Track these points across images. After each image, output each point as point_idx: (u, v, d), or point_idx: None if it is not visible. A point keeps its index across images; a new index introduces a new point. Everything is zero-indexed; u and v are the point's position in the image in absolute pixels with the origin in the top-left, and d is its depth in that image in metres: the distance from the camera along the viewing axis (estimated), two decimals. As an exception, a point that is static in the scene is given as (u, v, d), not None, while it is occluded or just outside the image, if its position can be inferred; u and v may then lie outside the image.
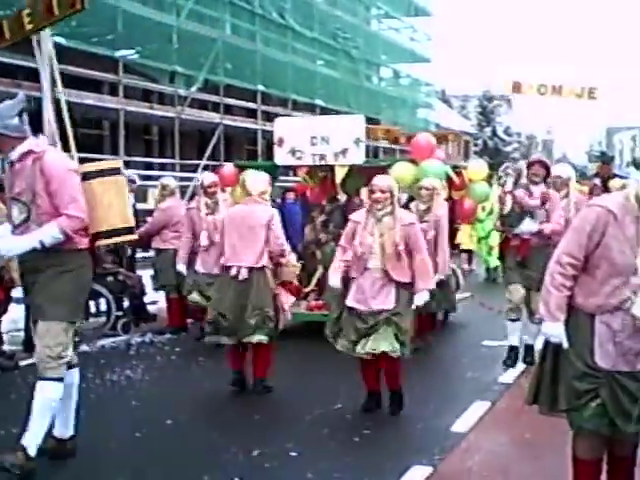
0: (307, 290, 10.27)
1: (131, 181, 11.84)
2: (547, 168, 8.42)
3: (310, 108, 28.44)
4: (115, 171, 5.51)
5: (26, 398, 7.33)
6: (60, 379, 5.37)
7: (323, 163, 9.71)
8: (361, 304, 6.58)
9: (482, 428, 6.49)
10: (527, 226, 8.35)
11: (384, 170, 9.44)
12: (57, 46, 18.23)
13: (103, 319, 10.56)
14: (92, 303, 10.80)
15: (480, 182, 10.73)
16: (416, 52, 37.51)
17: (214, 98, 25.02)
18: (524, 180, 8.57)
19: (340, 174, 9.77)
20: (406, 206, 10.26)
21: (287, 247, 7.61)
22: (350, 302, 6.64)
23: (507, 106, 64.83)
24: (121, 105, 21.30)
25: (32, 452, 5.20)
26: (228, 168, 10.50)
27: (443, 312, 10.63)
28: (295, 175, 12.45)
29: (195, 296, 9.39)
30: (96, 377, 8.06)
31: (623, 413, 4.16)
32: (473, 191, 10.62)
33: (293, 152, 9.68)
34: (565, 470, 4.94)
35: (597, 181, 14.04)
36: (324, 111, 27.95)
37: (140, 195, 16.03)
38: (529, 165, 8.55)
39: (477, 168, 10.90)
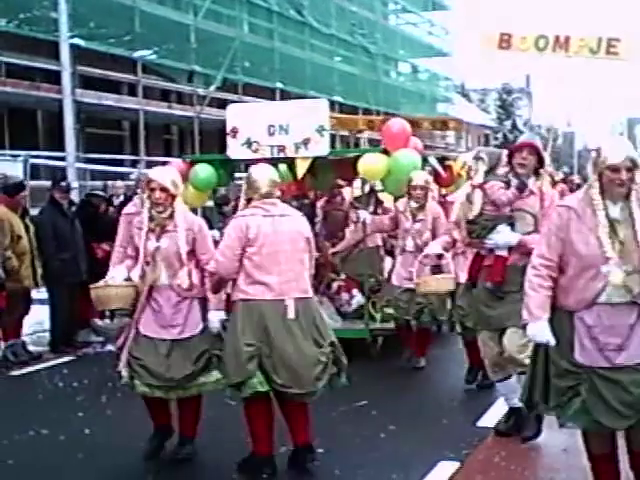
0: None
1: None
2: (540, 155, 5.93)
3: (329, 105, 28.42)
4: None
5: (53, 399, 7.43)
6: None
7: (282, 156, 8.36)
8: (160, 329, 5.46)
9: (508, 422, 6.45)
10: (503, 236, 5.84)
11: (352, 162, 8.49)
12: (76, 48, 18.45)
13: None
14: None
15: None
16: (434, 46, 37.42)
17: (233, 97, 25.03)
18: (501, 170, 6.23)
19: (302, 168, 8.39)
20: (375, 200, 9.40)
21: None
22: (141, 327, 5.51)
23: (527, 99, 64.52)
24: (140, 105, 21.38)
25: None
26: (176, 163, 8.92)
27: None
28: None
29: None
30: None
31: (607, 409, 4.16)
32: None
33: (249, 144, 8.37)
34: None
35: None
36: (343, 107, 27.96)
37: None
38: (513, 151, 5.96)
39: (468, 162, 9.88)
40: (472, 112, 55.81)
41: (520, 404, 5.61)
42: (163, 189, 5.39)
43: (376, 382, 7.67)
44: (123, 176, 16.41)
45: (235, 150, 8.46)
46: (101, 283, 5.64)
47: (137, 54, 21.22)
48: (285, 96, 27.03)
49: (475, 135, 56.29)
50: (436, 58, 38.31)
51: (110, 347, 9.61)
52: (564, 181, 22.47)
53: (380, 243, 9.40)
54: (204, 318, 5.52)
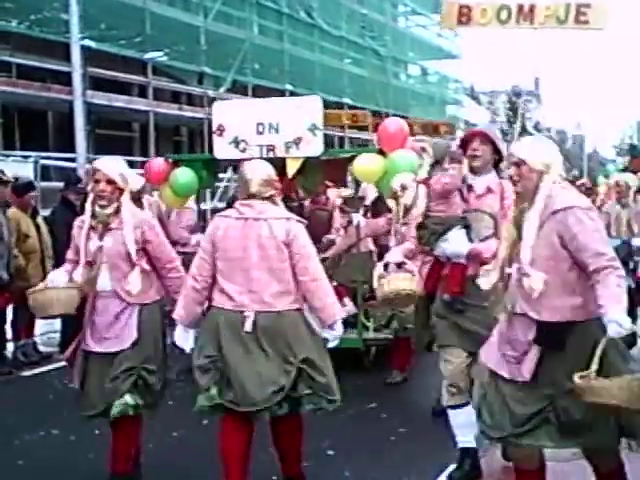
0: None
1: None
2: (495, 146, 5.11)
3: (338, 107, 28.48)
4: None
5: (63, 399, 7.44)
6: None
7: (272, 156, 7.58)
8: (94, 342, 4.96)
9: (519, 426, 6.43)
10: (452, 245, 5.08)
11: (346, 163, 8.04)
12: (86, 49, 18.51)
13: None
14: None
15: None
16: (444, 49, 37.44)
17: (243, 98, 25.11)
18: (449, 164, 5.65)
19: (292, 168, 7.77)
20: (374, 205, 8.60)
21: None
22: (87, 342, 4.99)
23: (537, 101, 64.38)
24: (150, 107, 21.45)
25: None
26: (157, 162, 8.46)
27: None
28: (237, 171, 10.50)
29: None
30: (132, 378, 8.09)
31: (492, 418, 4.04)
32: None
33: (236, 143, 7.82)
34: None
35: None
36: (352, 109, 27.97)
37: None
38: (464, 142, 5.21)
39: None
40: (481, 114, 55.76)
41: (474, 444, 5.11)
42: (109, 181, 4.85)
43: (385, 385, 7.65)
44: (133, 177, 16.44)
45: (221, 149, 7.89)
46: (40, 286, 5.11)
47: (147, 56, 21.30)
48: (295, 98, 27.10)
49: (484, 137, 56.18)
50: (445, 60, 38.32)
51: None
52: (572, 184, 22.35)
53: (373, 248, 8.70)
54: (140, 329, 4.92)
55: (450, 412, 5.23)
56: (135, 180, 7.39)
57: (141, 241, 4.90)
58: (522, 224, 3.98)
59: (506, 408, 3.97)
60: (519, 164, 3.96)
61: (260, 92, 25.17)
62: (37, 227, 8.98)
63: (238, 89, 24.61)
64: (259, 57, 25.08)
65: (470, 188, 5.12)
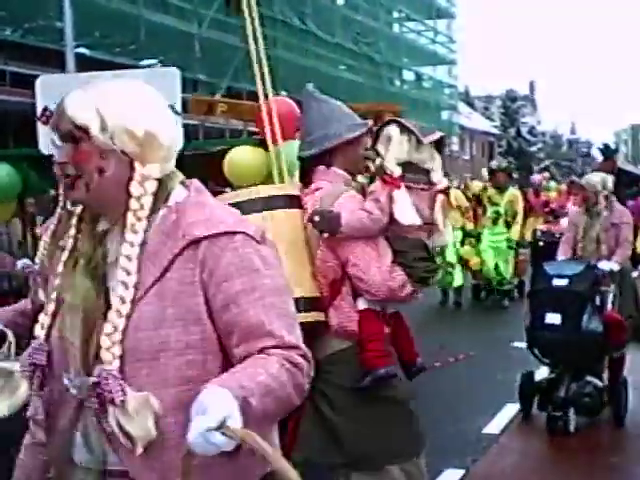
0: None
1: None
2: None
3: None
4: None
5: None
6: None
7: None
8: None
9: (514, 430, 6.46)
10: None
11: (218, 158, 5.94)
12: (80, 57, 18.54)
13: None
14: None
15: None
16: (438, 54, 37.57)
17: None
18: None
19: None
20: None
21: None
22: None
23: (531, 106, 64.55)
24: (145, 114, 21.50)
25: None
26: None
27: None
28: None
29: None
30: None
31: None
32: None
33: None
34: (599, 469, 4.91)
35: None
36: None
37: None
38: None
39: None
40: (476, 119, 55.90)
41: None
42: None
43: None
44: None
45: (49, 142, 4.49)
46: None
47: (142, 63, 21.32)
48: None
49: (479, 142, 56.36)
50: (440, 66, 38.47)
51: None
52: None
53: None
54: None
55: None
56: None
57: None
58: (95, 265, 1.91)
59: None
60: (78, 139, 1.95)
61: (255, 98, 25.19)
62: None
63: (233, 96, 24.67)
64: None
65: None
